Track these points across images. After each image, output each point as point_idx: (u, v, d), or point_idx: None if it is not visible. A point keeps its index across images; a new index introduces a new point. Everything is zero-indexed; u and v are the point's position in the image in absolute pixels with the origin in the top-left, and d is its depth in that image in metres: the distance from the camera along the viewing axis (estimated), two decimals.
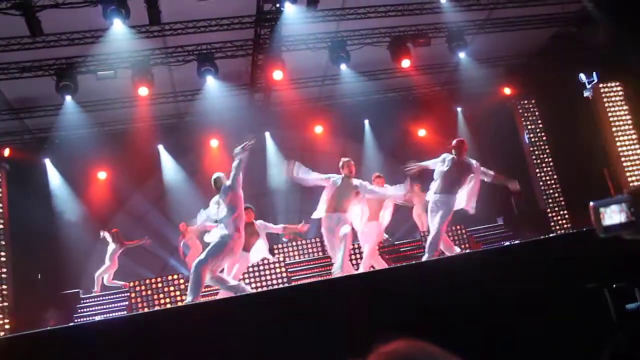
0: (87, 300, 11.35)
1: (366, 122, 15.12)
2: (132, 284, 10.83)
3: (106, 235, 11.92)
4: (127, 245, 11.96)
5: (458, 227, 12.12)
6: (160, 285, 10.82)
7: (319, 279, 9.07)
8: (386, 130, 14.32)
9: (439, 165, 7.39)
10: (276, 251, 11.80)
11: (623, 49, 11.61)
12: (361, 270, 7.85)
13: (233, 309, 4.63)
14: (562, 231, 13.55)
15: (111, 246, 11.81)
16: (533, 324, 4.30)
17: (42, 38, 9.31)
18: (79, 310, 10.85)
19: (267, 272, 10.81)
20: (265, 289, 10.20)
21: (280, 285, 10.41)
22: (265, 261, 10.30)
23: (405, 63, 11.45)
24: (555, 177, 14.39)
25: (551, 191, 14.30)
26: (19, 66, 10.22)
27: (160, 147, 14.28)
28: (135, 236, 12.50)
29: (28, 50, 9.72)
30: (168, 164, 14.32)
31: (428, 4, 10.77)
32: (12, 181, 12.12)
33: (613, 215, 1.63)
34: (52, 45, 9.66)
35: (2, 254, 11.40)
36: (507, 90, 14.72)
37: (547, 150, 14.58)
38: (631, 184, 12.34)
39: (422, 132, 15.22)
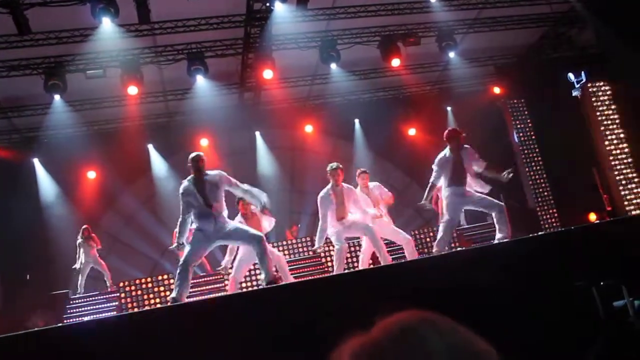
0: (77, 301, 11.27)
1: (356, 121, 15.11)
2: (122, 284, 10.77)
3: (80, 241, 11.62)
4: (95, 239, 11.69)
5: None
6: (150, 285, 10.76)
7: (309, 278, 9.04)
8: (376, 129, 14.33)
9: (439, 170, 6.88)
10: None
11: (611, 49, 11.72)
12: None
13: (228, 307, 4.63)
14: (551, 229, 13.62)
15: (86, 247, 11.53)
16: (522, 322, 4.33)
17: (30, 36, 9.21)
18: (69, 311, 10.77)
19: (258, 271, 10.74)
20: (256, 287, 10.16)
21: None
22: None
23: (395, 62, 11.49)
24: (544, 175, 14.47)
25: (540, 190, 14.38)
26: (6, 65, 10.13)
27: (150, 147, 14.17)
28: (124, 236, 12.42)
29: (16, 49, 9.62)
30: (158, 163, 14.23)
31: (418, 4, 10.80)
32: (0, 181, 12.01)
33: None
34: (41, 43, 9.57)
35: None
36: (497, 90, 14.79)
37: (537, 149, 14.66)
38: (619, 184, 12.45)
39: (412, 131, 15.25)
